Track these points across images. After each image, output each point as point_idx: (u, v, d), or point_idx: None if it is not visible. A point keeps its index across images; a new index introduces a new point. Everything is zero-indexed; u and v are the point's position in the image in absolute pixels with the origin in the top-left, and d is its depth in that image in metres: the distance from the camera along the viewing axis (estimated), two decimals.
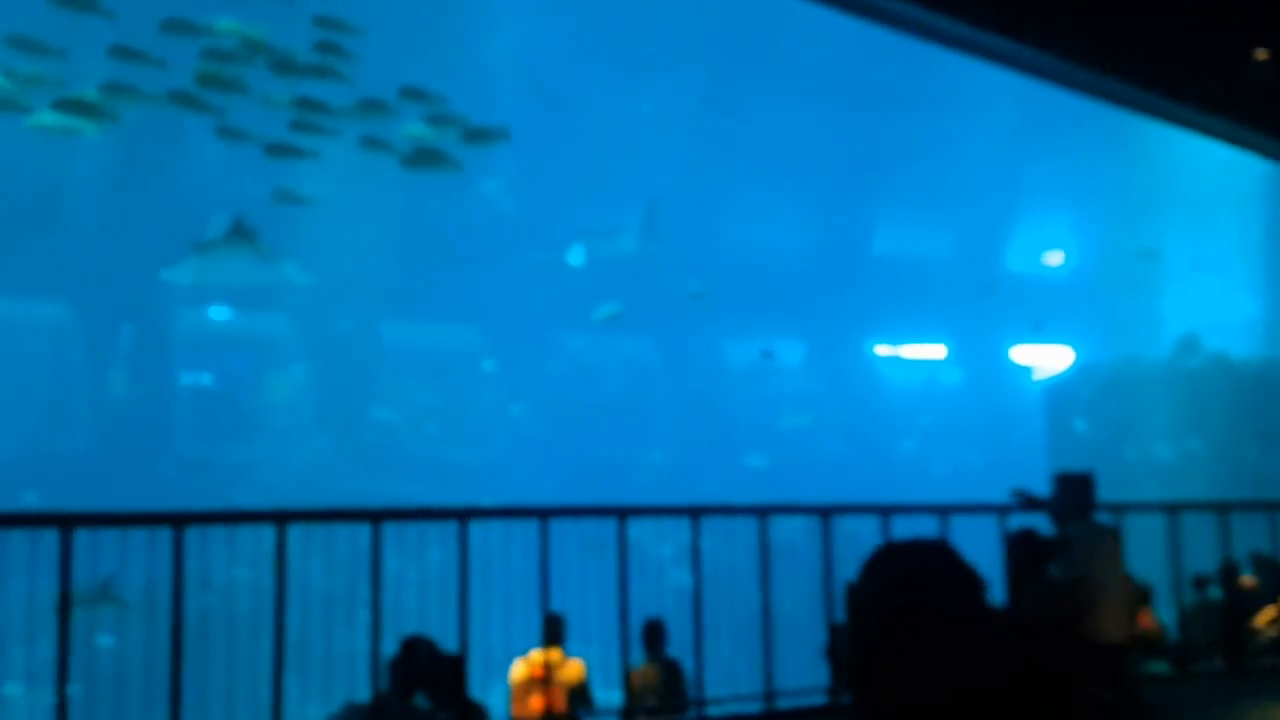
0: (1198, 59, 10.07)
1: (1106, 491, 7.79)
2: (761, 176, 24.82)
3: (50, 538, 6.22)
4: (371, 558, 6.79)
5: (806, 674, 8.26)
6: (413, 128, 16.45)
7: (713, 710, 8.01)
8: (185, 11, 14.72)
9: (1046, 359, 28.01)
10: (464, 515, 7.14)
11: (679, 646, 8.48)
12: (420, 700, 6.79)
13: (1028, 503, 7.84)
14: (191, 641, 6.51)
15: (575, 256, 24.09)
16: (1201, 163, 20.44)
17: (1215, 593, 10.46)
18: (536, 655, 8.09)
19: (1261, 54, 9.87)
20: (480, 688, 7.18)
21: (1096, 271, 27.33)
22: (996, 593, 7.20)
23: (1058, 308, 26.76)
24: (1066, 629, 6.85)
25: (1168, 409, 21.35)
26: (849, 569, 8.30)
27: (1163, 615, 10.25)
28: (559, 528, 7.30)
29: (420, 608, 7.39)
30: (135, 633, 9.28)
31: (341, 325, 22.39)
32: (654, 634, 8.59)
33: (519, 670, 8.31)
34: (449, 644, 6.93)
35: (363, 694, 6.80)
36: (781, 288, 24.75)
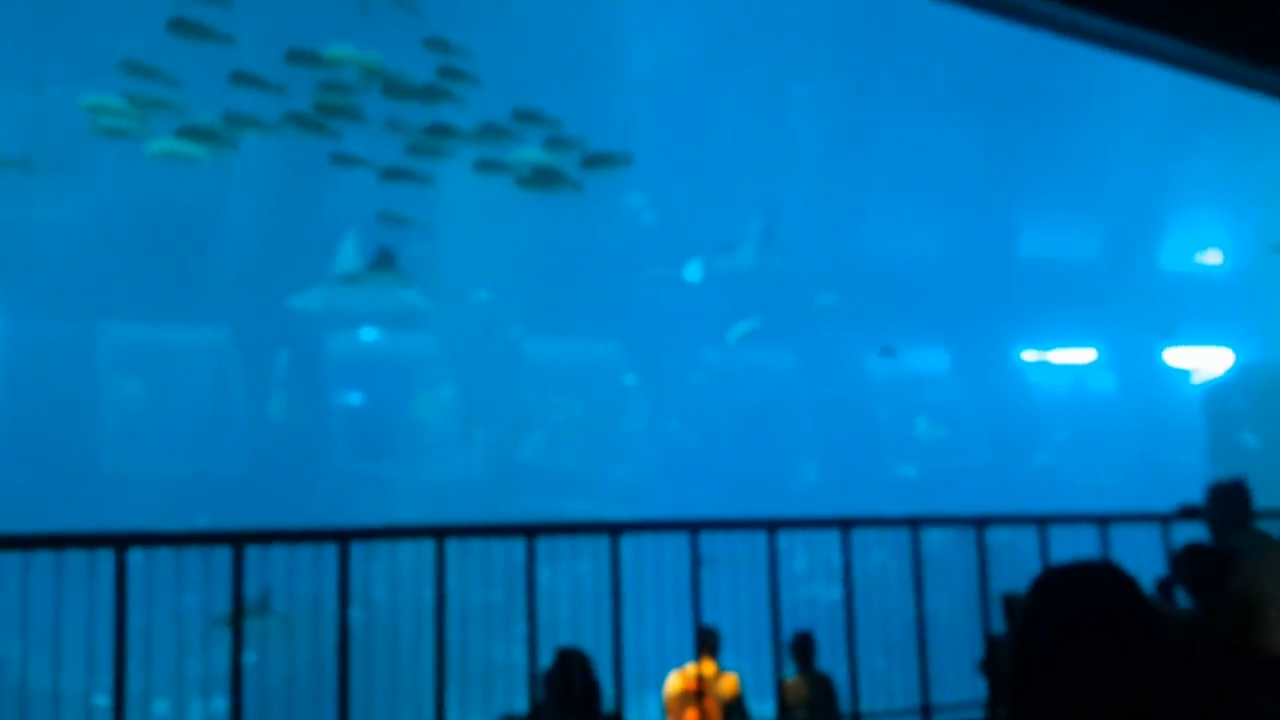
0: None
1: (1272, 499, 7.50)
2: (898, 182, 24.51)
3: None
4: (527, 572, 6.94)
5: (964, 687, 8.13)
6: (529, 153, 16.31)
7: None
8: (299, 35, 14.76)
9: (1204, 361, 26.99)
10: (615, 530, 7.24)
11: (827, 659, 8.43)
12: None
13: (1187, 512, 7.59)
14: (353, 654, 6.74)
15: (692, 272, 24.16)
16: None
17: None
18: (691, 668, 8.13)
19: None
20: (635, 701, 7.26)
21: (1254, 270, 26.26)
22: (1162, 604, 6.98)
23: (1215, 308, 25.78)
24: (1236, 644, 6.60)
25: None
26: (1003, 580, 8.17)
27: None
28: (709, 541, 7.34)
29: (574, 620, 7.50)
30: (277, 648, 9.58)
31: (487, 343, 22.85)
32: (804, 647, 8.56)
33: (673, 683, 8.36)
34: (603, 656, 7.03)
35: (520, 705, 6.94)
36: (923, 295, 24.39)
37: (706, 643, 8.05)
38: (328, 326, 21.45)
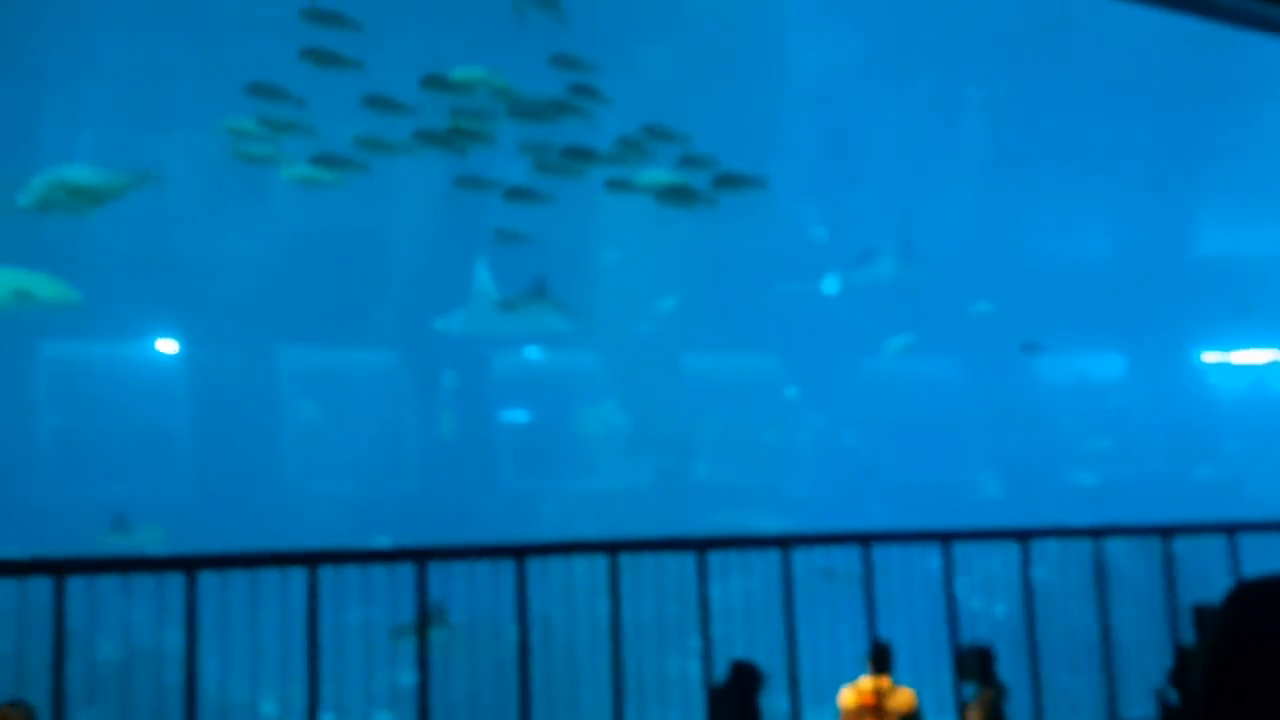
0: None
1: None
2: (1067, 183, 23.88)
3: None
4: (699, 586, 6.98)
5: (1145, 703, 7.86)
6: (658, 174, 15.83)
7: None
8: (428, 59, 14.61)
9: None
10: (785, 543, 7.22)
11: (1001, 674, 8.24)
12: None
13: None
14: (521, 668, 6.88)
15: (830, 285, 23.91)
16: None
17: None
18: (866, 682, 8.05)
19: None
20: (812, 715, 7.22)
21: None
22: None
23: None
24: None
25: None
26: (1191, 591, 7.85)
27: None
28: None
29: (748, 633, 7.52)
30: (438, 663, 9.79)
31: (649, 358, 23.07)
32: (983, 661, 8.38)
33: (848, 697, 8.29)
34: (777, 670, 7.02)
35: (696, 719, 6.98)
36: (1092, 297, 23.67)
37: (880, 657, 7.95)
38: (492, 346, 21.98)
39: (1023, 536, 7.61)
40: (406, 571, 6.85)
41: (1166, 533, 7.92)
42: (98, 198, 14.01)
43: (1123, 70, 22.53)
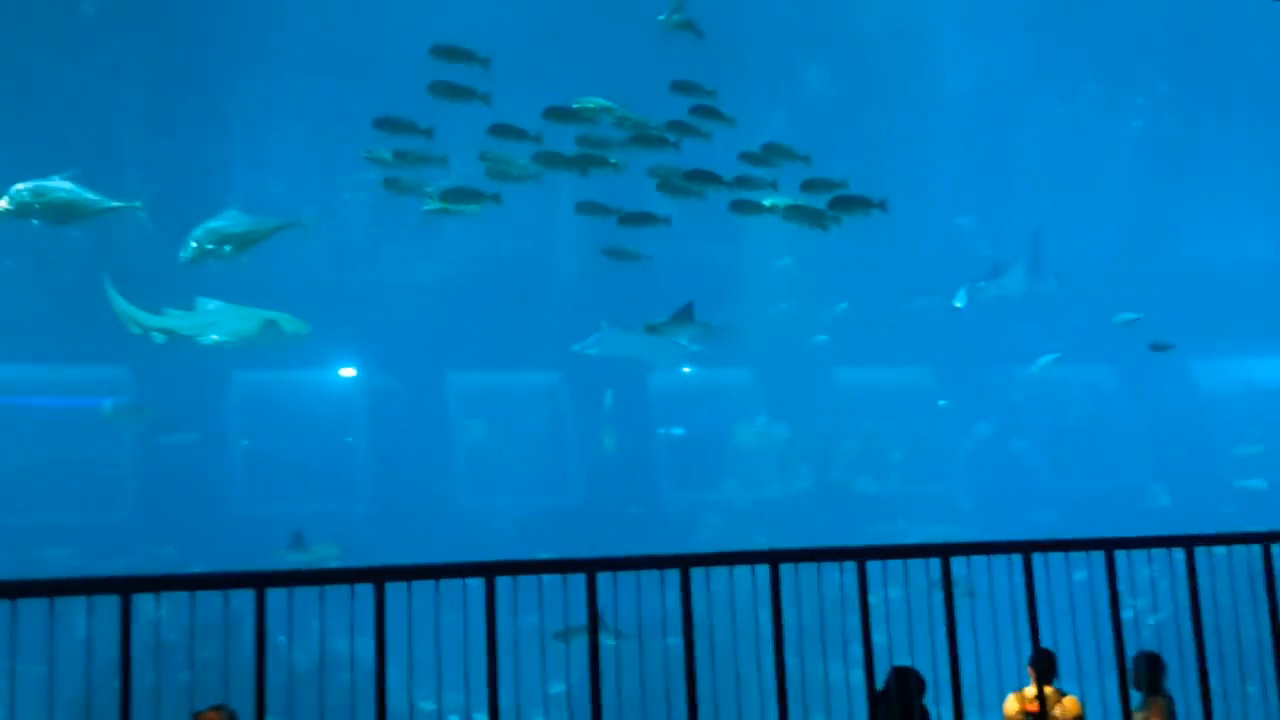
0: None
1: None
2: (1222, 187, 23.12)
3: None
4: (860, 594, 7.12)
5: None
6: (770, 196, 15.34)
7: None
8: (553, 90, 14.70)
9: None
10: (945, 552, 7.30)
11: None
12: None
13: None
14: (688, 674, 7.13)
15: (960, 299, 23.49)
16: None
17: None
18: (1029, 691, 8.07)
19: None
20: None
21: None
22: None
23: None
24: None
25: None
26: None
27: None
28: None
29: (909, 639, 7.61)
30: (579, 672, 10.07)
31: (802, 371, 23.15)
32: (1153, 670, 8.29)
33: (1012, 705, 8.32)
34: (941, 678, 7.11)
35: None
36: (1257, 303, 22.82)
37: (1044, 665, 7.94)
38: (650, 365, 22.39)
39: (1189, 543, 7.51)
40: (554, 581, 7.19)
41: None
42: (246, 244, 14.77)
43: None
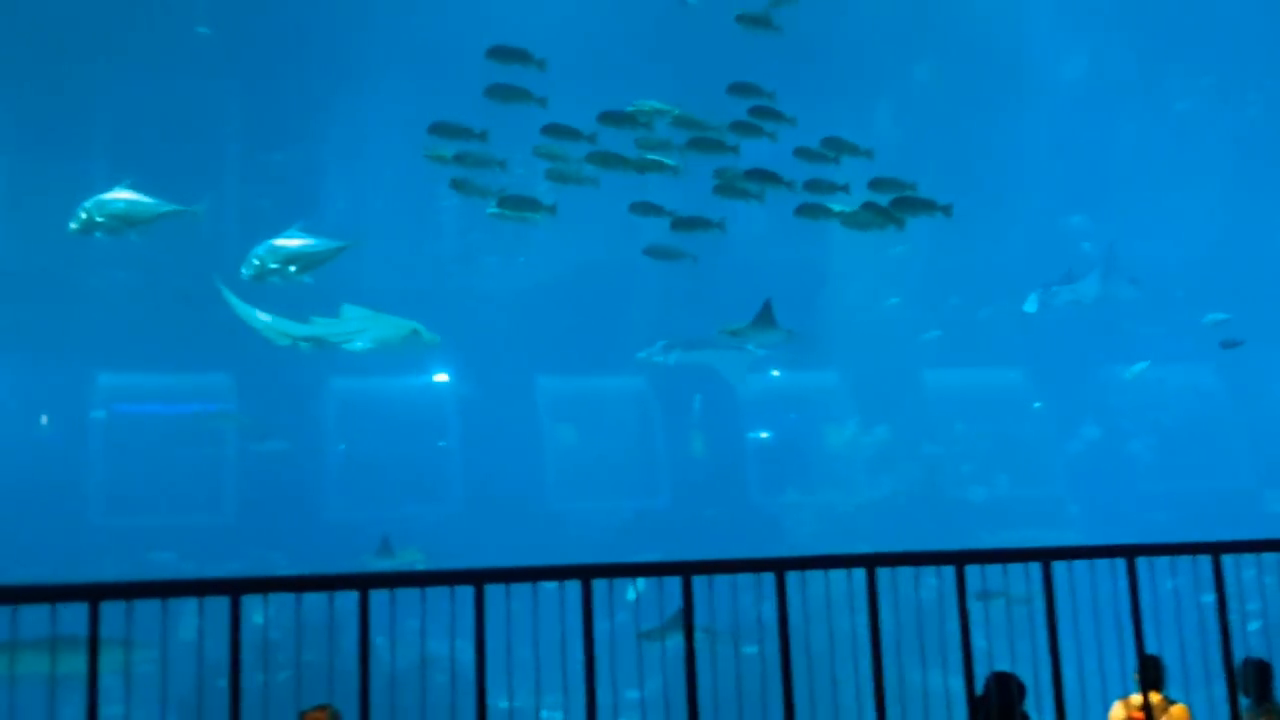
0: None
1: None
2: None
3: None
4: (959, 599, 7.05)
5: None
6: (838, 202, 14.97)
7: None
8: (608, 94, 14.63)
9: None
10: (1046, 556, 7.20)
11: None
12: None
13: None
14: (784, 677, 7.11)
15: (1030, 304, 23.04)
16: None
17: None
18: (1136, 698, 7.91)
19: None
20: None
21: None
22: None
23: None
24: None
25: None
26: None
27: None
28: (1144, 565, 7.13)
29: (1010, 643, 7.51)
30: (653, 679, 10.07)
31: (884, 376, 22.95)
32: (1261, 677, 8.08)
33: (1118, 713, 8.17)
34: (1043, 684, 7.01)
35: None
36: None
37: (1151, 672, 7.79)
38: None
39: None
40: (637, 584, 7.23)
41: None
42: (310, 265, 14.92)
43: None
